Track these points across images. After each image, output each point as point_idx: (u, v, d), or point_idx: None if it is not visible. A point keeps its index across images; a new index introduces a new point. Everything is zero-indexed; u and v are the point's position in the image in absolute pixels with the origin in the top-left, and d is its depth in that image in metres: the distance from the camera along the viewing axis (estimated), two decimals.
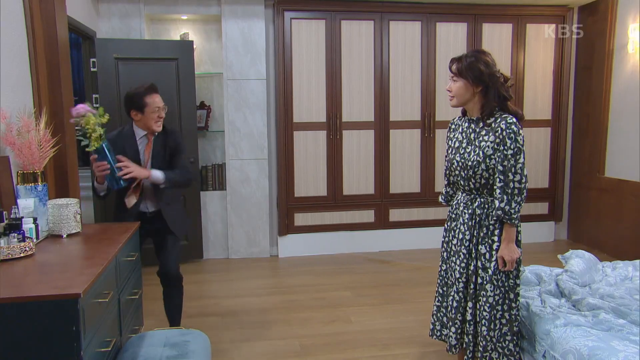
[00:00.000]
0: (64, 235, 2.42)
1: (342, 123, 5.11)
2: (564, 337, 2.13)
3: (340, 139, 5.13)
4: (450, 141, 2.48)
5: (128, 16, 4.75)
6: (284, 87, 4.97)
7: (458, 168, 2.36)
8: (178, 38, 5.00)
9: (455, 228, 2.41)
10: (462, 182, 2.37)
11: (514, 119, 2.21)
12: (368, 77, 5.11)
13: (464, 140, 2.36)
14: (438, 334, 2.55)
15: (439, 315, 2.54)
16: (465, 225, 2.33)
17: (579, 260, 2.93)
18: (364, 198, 5.26)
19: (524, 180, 2.19)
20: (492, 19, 5.19)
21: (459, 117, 2.49)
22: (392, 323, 3.55)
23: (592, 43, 5.14)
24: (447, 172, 2.50)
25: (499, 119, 2.23)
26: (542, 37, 5.30)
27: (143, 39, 4.71)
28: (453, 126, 2.50)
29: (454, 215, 2.44)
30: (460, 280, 2.34)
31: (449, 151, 2.47)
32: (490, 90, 2.25)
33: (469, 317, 2.33)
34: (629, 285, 2.74)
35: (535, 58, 5.32)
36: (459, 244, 2.36)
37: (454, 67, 2.31)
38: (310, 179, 5.15)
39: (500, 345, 2.30)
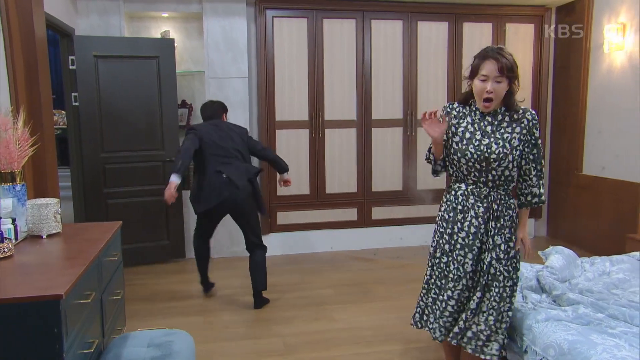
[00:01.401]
0: (44, 236, 2.38)
1: (324, 121, 5.11)
2: (545, 332, 2.17)
3: (323, 137, 5.13)
4: (454, 128, 2.34)
5: (107, 13, 4.68)
6: (266, 85, 4.95)
7: (472, 160, 2.26)
8: (159, 36, 4.95)
9: (463, 220, 2.31)
10: (475, 174, 2.28)
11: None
12: (350, 76, 5.12)
13: (478, 132, 2.28)
14: (424, 323, 2.50)
15: (433, 307, 2.43)
16: (480, 219, 2.27)
17: (558, 256, 2.98)
18: (346, 196, 5.28)
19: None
20: (472, 18, 5.25)
21: (459, 104, 2.39)
22: (375, 320, 3.56)
23: (569, 43, 5.23)
24: (452, 160, 2.35)
25: (521, 111, 2.29)
26: (521, 37, 5.38)
27: (123, 37, 4.65)
28: (454, 112, 2.37)
29: (460, 207, 2.33)
30: (469, 273, 2.29)
31: (457, 140, 2.32)
32: (514, 86, 2.26)
33: (473, 307, 2.29)
34: (606, 280, 2.80)
35: (515, 57, 5.37)
36: (471, 237, 2.28)
37: (498, 67, 2.18)
38: (292, 178, 5.10)
39: (500, 337, 2.29)
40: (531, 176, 2.31)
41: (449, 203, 2.40)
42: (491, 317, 2.26)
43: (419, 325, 2.53)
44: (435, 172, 2.49)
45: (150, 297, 4.04)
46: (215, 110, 3.90)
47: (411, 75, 5.22)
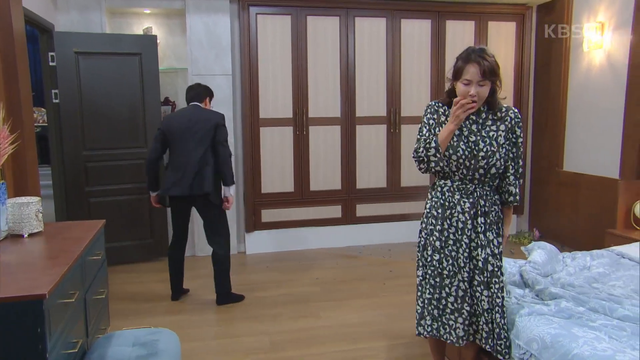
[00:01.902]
0: (25, 235, 2.35)
1: (308, 119, 5.11)
2: (528, 326, 2.20)
3: (307, 134, 5.13)
4: (443, 125, 2.30)
5: (88, 9, 4.62)
6: (249, 83, 4.93)
7: (463, 157, 2.26)
8: (141, 32, 4.89)
9: (450, 216, 2.32)
10: (463, 171, 2.29)
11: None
12: (334, 73, 5.13)
13: (465, 130, 2.28)
14: (429, 329, 2.41)
15: (429, 308, 2.39)
16: (467, 215, 2.29)
17: (541, 251, 3.03)
18: (330, 194, 5.28)
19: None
20: (455, 16, 5.29)
21: (443, 103, 2.37)
22: (361, 317, 3.58)
23: (549, 41, 5.29)
24: (444, 159, 2.29)
25: (504, 109, 2.32)
26: (503, 35, 5.43)
27: (105, 33, 4.59)
28: (441, 110, 2.35)
29: (447, 204, 2.33)
30: (464, 269, 2.30)
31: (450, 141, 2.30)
32: (497, 85, 2.28)
33: (486, 306, 2.28)
34: (587, 275, 2.85)
35: (497, 55, 5.33)
36: (459, 232, 2.30)
37: (480, 71, 2.18)
38: (277, 175, 5.13)
39: (507, 333, 2.32)
40: (509, 174, 2.34)
41: (435, 200, 2.39)
42: (498, 315, 2.28)
43: (428, 334, 2.43)
44: (426, 169, 2.34)
45: (134, 296, 4.00)
46: (198, 93, 3.80)
47: (395, 73, 5.25)
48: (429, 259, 2.38)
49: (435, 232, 2.36)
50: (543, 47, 5.43)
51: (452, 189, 2.33)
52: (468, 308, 2.32)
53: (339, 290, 4.12)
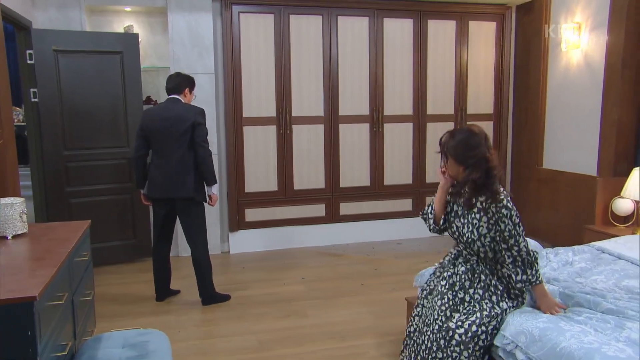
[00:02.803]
0: (9, 237, 2.31)
1: (292, 118, 5.11)
2: (517, 320, 2.23)
3: (290, 133, 5.13)
4: (449, 196, 2.49)
5: (66, 6, 4.53)
6: (232, 81, 4.91)
7: (455, 234, 2.43)
8: (121, 31, 4.82)
9: (452, 274, 2.43)
10: (464, 248, 2.44)
11: (504, 201, 2.26)
12: (317, 72, 5.13)
13: (459, 209, 2.42)
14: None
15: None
16: (463, 277, 2.38)
17: None
18: (314, 192, 5.29)
19: (527, 250, 2.28)
20: (436, 15, 5.34)
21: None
22: (347, 315, 3.59)
23: (528, 41, 5.39)
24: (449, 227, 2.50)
25: (489, 200, 2.29)
26: (483, 34, 5.50)
27: (84, 31, 4.51)
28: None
29: (449, 261, 2.50)
30: (434, 323, 2.39)
31: (448, 210, 2.48)
32: (473, 171, 2.28)
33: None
34: (570, 270, 2.91)
35: (478, 54, 5.52)
36: (446, 287, 2.41)
37: (442, 140, 2.36)
38: (260, 174, 5.12)
39: None
40: (506, 263, 2.31)
41: (447, 255, 2.58)
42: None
43: None
44: (435, 231, 2.56)
45: (118, 297, 3.95)
46: (177, 85, 3.64)
47: (377, 72, 5.27)
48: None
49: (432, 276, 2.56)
50: (522, 46, 5.52)
51: (458, 252, 2.50)
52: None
53: (325, 288, 4.12)
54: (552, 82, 5.14)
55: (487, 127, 5.64)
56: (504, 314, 2.29)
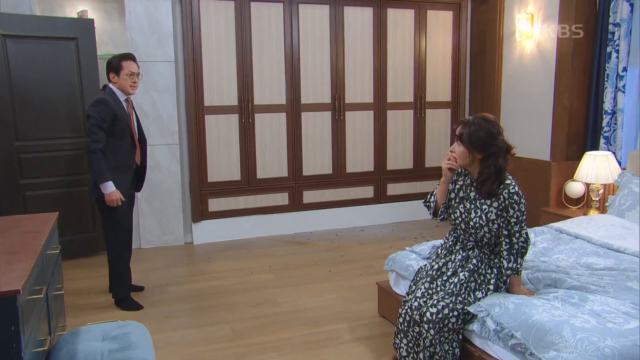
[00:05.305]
0: None
1: (254, 106, 5.07)
2: (494, 296, 2.35)
3: (253, 122, 5.09)
4: (452, 184, 2.56)
5: None
6: (193, 69, 4.82)
7: (459, 219, 2.48)
8: (75, 16, 4.63)
9: (447, 260, 2.54)
10: (461, 231, 2.50)
11: (516, 187, 2.36)
12: (279, 60, 5.11)
13: (465, 197, 2.47)
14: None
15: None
16: (457, 263, 2.47)
17: None
18: (277, 181, 5.29)
19: (524, 239, 2.38)
20: (395, 4, 5.41)
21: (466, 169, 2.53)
22: (318, 301, 3.63)
23: (484, 31, 5.55)
24: (449, 215, 2.58)
25: (502, 186, 2.36)
26: (441, 23, 5.62)
27: (37, 15, 4.31)
28: (458, 170, 2.55)
29: (448, 246, 2.60)
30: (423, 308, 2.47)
31: (452, 197, 2.55)
32: (489, 159, 2.35)
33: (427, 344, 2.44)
34: (534, 249, 3.08)
35: (436, 43, 5.64)
36: (439, 271, 2.52)
37: (457, 131, 2.37)
38: (223, 164, 5.06)
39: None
40: (502, 250, 2.40)
41: (445, 239, 2.67)
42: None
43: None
44: (436, 217, 2.65)
45: (81, 291, 3.84)
46: (106, 72, 3.40)
47: (338, 60, 5.30)
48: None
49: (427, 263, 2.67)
50: (478, 36, 5.68)
51: (456, 238, 2.57)
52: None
53: (293, 276, 4.15)
54: (507, 71, 5.32)
55: (445, 114, 5.79)
56: (476, 302, 2.38)
